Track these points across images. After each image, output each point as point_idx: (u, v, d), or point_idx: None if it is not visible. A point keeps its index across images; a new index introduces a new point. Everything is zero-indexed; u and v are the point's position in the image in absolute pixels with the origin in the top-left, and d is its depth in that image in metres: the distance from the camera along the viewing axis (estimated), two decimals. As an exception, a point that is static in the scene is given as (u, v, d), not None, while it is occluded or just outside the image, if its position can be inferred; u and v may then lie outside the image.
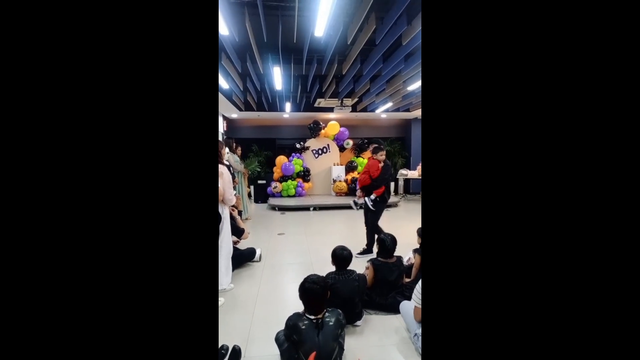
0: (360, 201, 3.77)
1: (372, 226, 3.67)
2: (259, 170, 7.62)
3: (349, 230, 5.27)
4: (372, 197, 3.54)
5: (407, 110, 8.03)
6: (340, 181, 7.90)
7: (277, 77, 5.24)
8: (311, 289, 1.77)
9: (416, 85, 5.36)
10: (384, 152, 3.64)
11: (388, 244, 2.53)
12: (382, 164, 3.57)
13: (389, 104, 7.14)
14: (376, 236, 2.91)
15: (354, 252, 3.31)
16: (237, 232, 3.42)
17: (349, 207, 6.95)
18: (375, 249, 2.81)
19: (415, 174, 8.01)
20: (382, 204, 3.62)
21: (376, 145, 3.67)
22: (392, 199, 7.74)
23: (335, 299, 2.12)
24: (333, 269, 2.37)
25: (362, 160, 8.26)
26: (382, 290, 2.47)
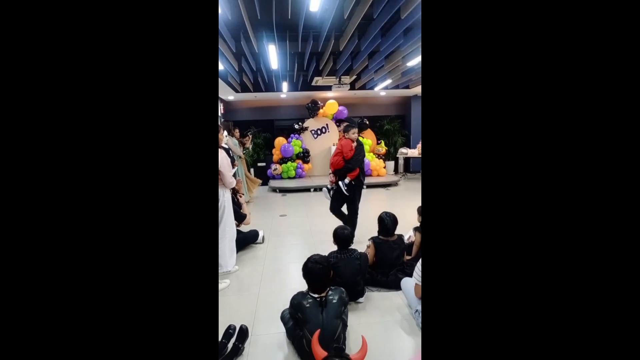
0: (332, 187, 3.41)
1: (352, 214, 3.38)
2: (248, 158, 7.54)
3: (350, 210, 5.30)
4: (346, 180, 3.22)
5: (407, 87, 7.88)
6: (340, 161, 7.88)
7: (273, 55, 5.10)
8: (314, 268, 1.80)
9: (416, 60, 5.23)
10: (357, 130, 3.29)
11: (388, 222, 2.56)
12: (355, 144, 3.24)
13: (388, 81, 7.00)
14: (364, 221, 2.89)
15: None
16: (240, 217, 3.44)
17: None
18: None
19: (415, 152, 7.97)
20: (357, 188, 3.32)
21: (347, 123, 3.34)
22: (393, 177, 7.77)
23: (337, 278, 2.16)
24: (335, 248, 2.40)
25: (362, 140, 8.19)
26: (383, 268, 2.52)
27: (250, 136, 5.91)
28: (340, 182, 3.28)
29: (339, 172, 3.31)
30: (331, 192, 3.46)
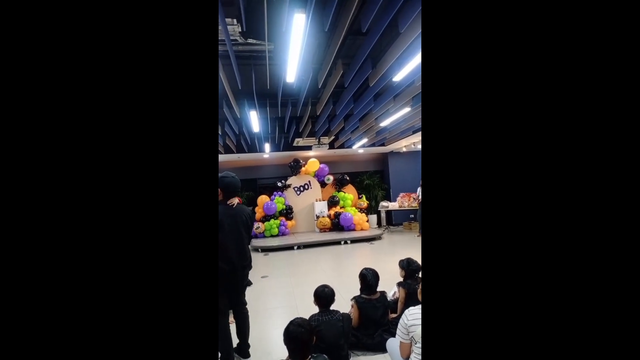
0: None
1: None
2: None
3: (335, 269, 5.20)
4: None
5: (382, 144, 8.36)
6: (323, 217, 7.89)
7: (254, 120, 5.40)
8: (296, 332, 1.71)
9: (387, 121, 5.65)
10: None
11: (371, 279, 2.52)
12: None
13: (365, 140, 7.43)
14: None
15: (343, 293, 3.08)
16: None
17: (334, 243, 6.93)
18: None
19: (395, 205, 8.14)
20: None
21: None
22: (376, 231, 7.75)
23: (320, 343, 2.05)
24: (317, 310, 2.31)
25: (344, 195, 8.36)
26: (368, 329, 2.41)
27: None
28: None
29: None
30: None
